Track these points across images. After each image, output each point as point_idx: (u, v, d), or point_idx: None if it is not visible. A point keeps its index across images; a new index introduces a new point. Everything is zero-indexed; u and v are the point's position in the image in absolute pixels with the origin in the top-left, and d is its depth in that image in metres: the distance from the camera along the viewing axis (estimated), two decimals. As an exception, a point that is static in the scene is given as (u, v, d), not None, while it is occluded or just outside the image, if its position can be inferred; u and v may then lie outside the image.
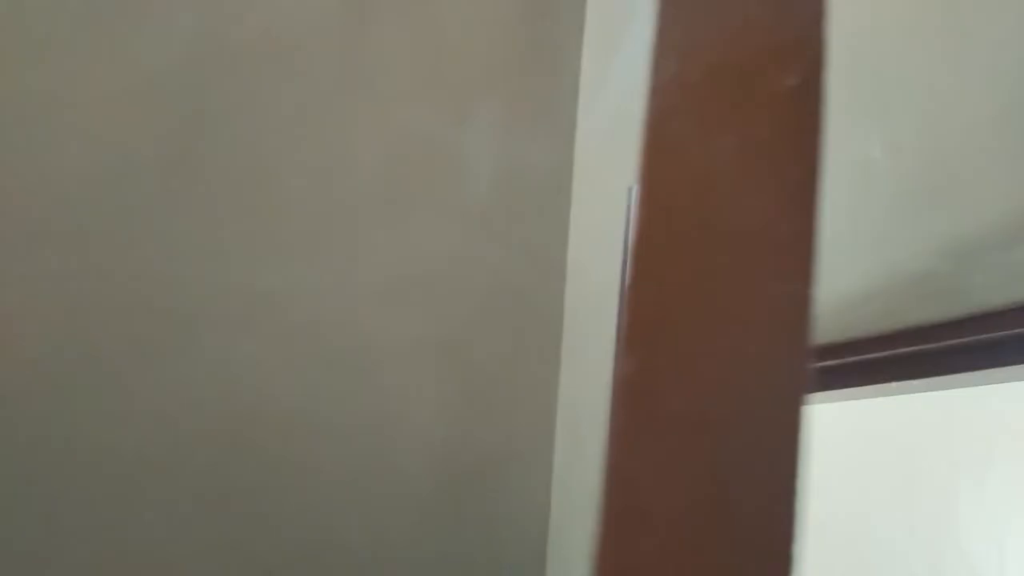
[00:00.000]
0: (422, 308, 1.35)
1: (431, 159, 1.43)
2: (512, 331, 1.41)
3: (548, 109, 1.55)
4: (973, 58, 0.67)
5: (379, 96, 1.40)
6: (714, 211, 0.23)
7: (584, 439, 1.28)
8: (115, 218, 1.16)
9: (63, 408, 1.10)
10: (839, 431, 0.75)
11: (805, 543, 0.21)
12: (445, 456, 1.32)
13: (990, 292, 0.62)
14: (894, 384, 0.69)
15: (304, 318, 1.28)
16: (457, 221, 1.41)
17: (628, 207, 0.94)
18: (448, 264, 1.39)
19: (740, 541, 0.21)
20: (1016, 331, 0.58)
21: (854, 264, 0.76)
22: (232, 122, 1.27)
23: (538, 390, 1.42)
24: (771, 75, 0.24)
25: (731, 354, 0.23)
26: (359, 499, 1.25)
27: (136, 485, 1.12)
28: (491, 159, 1.47)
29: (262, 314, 1.25)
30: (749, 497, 0.22)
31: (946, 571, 0.62)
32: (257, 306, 1.25)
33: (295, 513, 1.22)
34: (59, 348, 1.11)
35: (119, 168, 1.18)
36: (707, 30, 0.24)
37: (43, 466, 1.08)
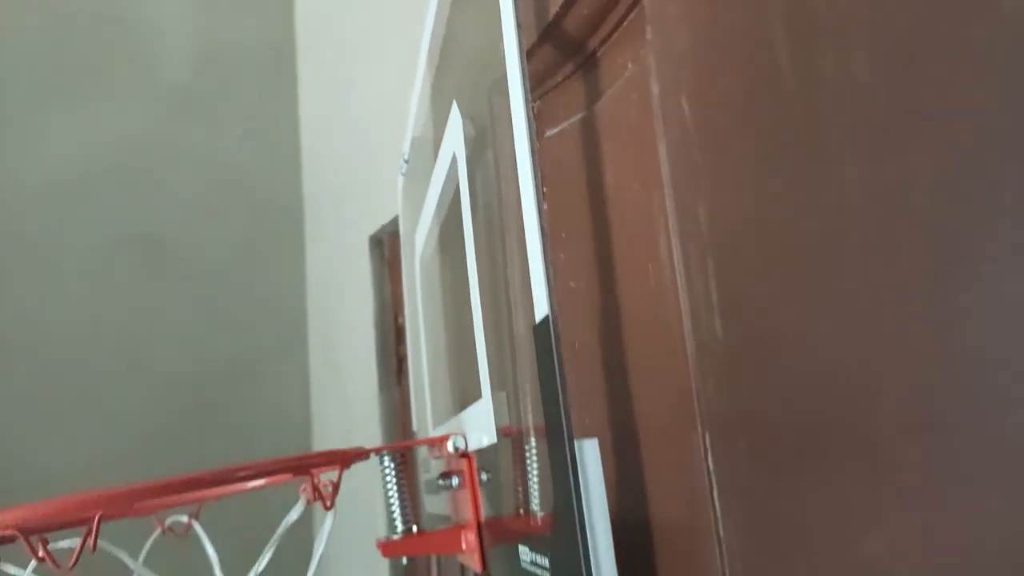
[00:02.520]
0: (115, 203, 1.16)
1: (114, 38, 1.23)
2: (242, 222, 1.27)
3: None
4: None
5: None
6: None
7: (339, 324, 1.18)
8: None
9: None
10: None
11: None
12: (183, 368, 1.18)
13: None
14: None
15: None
16: (155, 104, 1.23)
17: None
18: (147, 152, 1.21)
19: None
20: None
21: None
22: None
23: (283, 283, 1.29)
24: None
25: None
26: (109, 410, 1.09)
27: None
28: (189, 37, 1.29)
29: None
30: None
31: None
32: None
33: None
34: None
35: None
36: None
37: None
